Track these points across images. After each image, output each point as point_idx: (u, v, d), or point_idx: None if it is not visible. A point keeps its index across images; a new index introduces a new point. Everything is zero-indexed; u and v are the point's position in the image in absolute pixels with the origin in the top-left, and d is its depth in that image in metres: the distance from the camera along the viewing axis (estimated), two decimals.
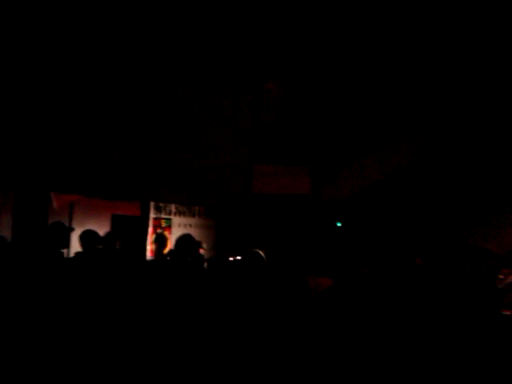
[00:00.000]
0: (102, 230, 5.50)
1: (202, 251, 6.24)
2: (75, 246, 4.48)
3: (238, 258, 6.78)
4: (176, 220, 8.81)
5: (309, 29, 3.42)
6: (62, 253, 4.00)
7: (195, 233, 9.44)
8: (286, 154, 6.13)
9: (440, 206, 7.97)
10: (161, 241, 5.90)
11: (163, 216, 8.36)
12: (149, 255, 7.54)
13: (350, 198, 7.23)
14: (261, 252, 4.29)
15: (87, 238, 4.23)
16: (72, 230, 4.11)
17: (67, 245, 3.97)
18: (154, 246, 7.20)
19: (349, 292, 3.79)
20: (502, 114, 4.81)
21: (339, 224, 9.65)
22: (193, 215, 9.40)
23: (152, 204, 7.98)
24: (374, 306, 3.77)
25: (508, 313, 4.40)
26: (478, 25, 3.02)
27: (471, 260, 5.56)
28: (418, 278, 5.07)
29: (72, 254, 4.48)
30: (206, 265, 6.34)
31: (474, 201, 7.67)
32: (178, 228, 8.67)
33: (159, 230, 8.19)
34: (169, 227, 8.44)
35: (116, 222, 7.66)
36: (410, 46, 3.58)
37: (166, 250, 5.76)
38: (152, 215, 8.02)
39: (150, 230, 7.96)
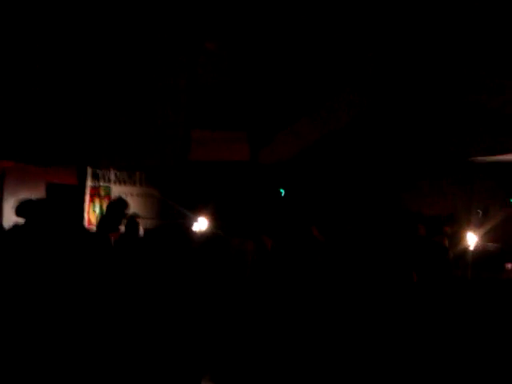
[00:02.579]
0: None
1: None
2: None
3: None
4: (116, 189, 8.62)
5: None
6: None
7: (136, 202, 9.29)
8: (223, 119, 6.18)
9: (374, 169, 8.29)
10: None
11: (102, 184, 8.16)
12: (86, 225, 7.41)
13: (289, 161, 7.38)
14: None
15: (26, 208, 4.06)
16: None
17: None
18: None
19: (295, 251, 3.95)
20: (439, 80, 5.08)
21: (281, 189, 9.83)
22: (134, 183, 9.23)
23: (89, 171, 7.77)
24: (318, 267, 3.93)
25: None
26: None
27: (403, 223, 5.96)
28: (349, 241, 5.30)
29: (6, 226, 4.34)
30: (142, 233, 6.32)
31: (408, 167, 8.08)
32: None
33: (98, 200, 8.03)
34: (108, 196, 8.26)
35: (51, 190, 7.42)
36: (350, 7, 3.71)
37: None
38: (89, 183, 7.82)
39: (88, 198, 7.80)
